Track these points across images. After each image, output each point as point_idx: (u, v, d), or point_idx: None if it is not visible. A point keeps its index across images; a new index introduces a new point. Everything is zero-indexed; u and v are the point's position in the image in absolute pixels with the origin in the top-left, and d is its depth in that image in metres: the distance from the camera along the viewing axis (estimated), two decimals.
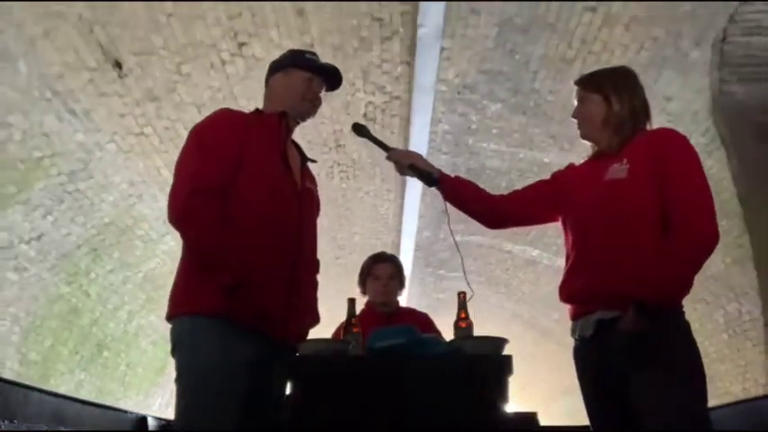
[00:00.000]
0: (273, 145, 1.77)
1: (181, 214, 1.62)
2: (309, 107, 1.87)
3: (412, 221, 5.93)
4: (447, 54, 3.80)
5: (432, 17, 3.50)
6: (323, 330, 1.90)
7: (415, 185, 5.19)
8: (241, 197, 1.67)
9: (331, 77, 1.91)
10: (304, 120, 1.89)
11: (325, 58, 2.08)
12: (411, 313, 2.90)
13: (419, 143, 4.59)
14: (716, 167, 3.69)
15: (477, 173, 4.97)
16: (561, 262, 6.60)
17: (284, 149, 1.80)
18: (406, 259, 6.44)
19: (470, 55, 3.82)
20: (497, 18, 3.53)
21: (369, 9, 3.50)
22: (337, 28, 3.63)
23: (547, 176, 1.95)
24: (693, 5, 3.18)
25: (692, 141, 1.71)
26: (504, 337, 1.72)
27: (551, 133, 4.40)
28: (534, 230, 5.80)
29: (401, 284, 2.88)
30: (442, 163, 4.88)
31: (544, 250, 6.07)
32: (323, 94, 1.88)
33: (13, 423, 2.66)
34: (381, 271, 2.83)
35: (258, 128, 1.77)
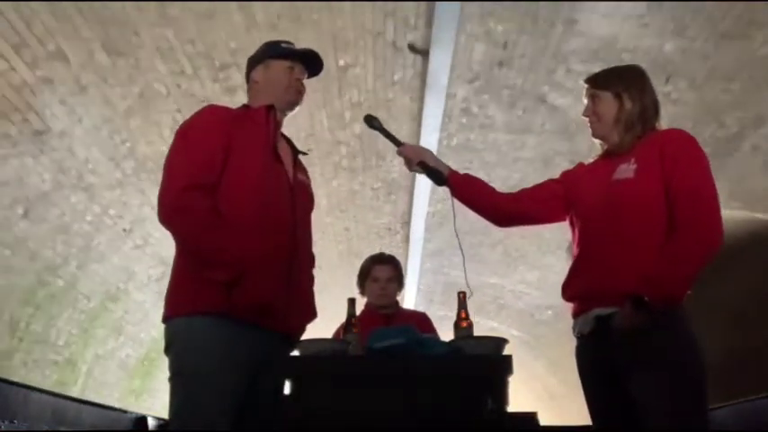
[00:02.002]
0: (263, 138, 1.74)
1: (173, 211, 1.59)
2: (295, 96, 1.85)
3: (410, 300, 8.77)
4: (428, 238, 6.76)
5: (418, 224, 6.44)
6: (323, 330, 1.88)
7: (411, 274, 8.10)
8: (232, 192, 1.64)
9: (311, 62, 1.88)
10: (292, 109, 1.87)
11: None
12: (410, 314, 2.92)
13: (414, 264, 7.56)
14: None
15: (450, 285, 7.89)
16: (516, 332, 9.95)
17: (274, 142, 1.77)
18: None
19: (443, 237, 6.78)
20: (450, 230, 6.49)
21: (387, 222, 6.45)
22: (365, 227, 6.60)
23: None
24: None
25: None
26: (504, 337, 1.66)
27: (494, 270, 7.35)
28: (494, 308, 8.75)
29: (400, 286, 2.86)
30: (429, 276, 7.87)
31: (502, 323, 8.94)
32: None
33: (13, 423, 2.67)
34: (380, 273, 2.81)
35: (246, 122, 1.74)
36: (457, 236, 2.03)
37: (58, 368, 4.92)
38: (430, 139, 4.66)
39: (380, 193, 5.72)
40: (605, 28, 3.40)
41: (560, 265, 6.46)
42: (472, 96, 4.22)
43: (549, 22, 3.46)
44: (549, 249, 6.23)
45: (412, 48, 3.78)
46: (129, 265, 5.13)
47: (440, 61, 3.78)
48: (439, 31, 3.55)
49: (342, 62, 3.88)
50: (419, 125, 4.51)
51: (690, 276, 1.58)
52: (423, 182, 5.70)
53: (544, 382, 8.85)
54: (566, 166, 2.70)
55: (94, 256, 4.66)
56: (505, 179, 5.29)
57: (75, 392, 5.00)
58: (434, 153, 1.98)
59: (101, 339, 5.40)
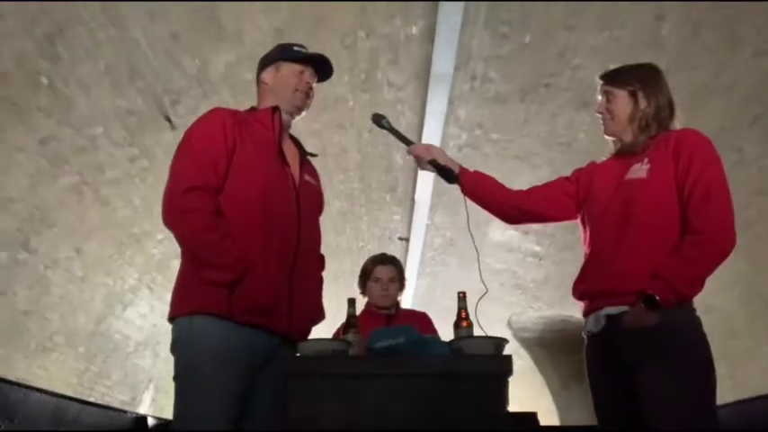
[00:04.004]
0: (268, 140, 1.76)
1: (175, 213, 1.62)
2: (303, 99, 1.86)
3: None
4: (415, 301, 9.34)
5: (408, 292, 9.01)
6: (323, 330, 1.92)
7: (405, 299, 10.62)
8: (236, 194, 1.66)
9: (322, 67, 1.89)
10: (300, 112, 1.88)
11: None
12: (410, 314, 2.92)
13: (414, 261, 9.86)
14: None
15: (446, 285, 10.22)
16: None
17: (279, 144, 1.78)
18: None
19: (426, 301, 9.34)
20: (432, 291, 9.06)
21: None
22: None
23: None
24: None
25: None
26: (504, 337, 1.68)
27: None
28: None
29: (402, 286, 2.86)
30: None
31: None
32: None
33: (13, 423, 2.71)
34: (382, 273, 2.80)
35: (251, 124, 1.77)
36: (470, 233, 2.04)
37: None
38: (415, 255, 7.24)
39: None
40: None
41: (503, 335, 8.95)
42: (438, 245, 6.85)
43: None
44: (491, 322, 8.73)
45: (400, 238, 6.64)
46: None
47: (418, 241, 6.64)
48: (418, 226, 6.24)
49: (361, 244, 6.53)
50: (406, 253, 7.13)
51: (702, 277, 1.60)
52: (411, 273, 8.26)
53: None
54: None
55: None
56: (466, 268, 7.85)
57: None
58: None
59: None
